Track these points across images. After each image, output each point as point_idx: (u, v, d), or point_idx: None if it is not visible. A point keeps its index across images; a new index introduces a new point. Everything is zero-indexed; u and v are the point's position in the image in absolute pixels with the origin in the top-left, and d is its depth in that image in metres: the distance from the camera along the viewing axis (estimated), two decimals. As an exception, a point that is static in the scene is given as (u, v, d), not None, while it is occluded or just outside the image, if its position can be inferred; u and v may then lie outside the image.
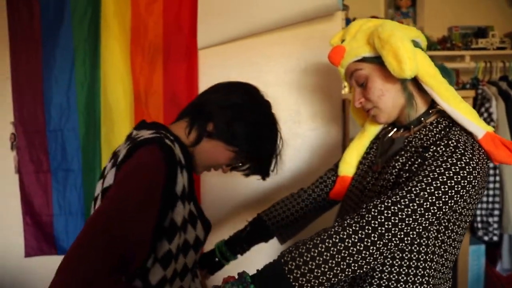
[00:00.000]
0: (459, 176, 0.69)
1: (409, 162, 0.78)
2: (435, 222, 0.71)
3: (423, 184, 0.70)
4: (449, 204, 0.70)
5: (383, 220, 0.69)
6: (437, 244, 0.77)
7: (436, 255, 0.77)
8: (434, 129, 0.80)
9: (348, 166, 0.99)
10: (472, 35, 2.12)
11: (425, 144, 0.78)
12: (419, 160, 0.76)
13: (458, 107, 0.77)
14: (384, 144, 0.91)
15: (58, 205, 1.54)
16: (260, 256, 1.15)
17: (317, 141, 1.47)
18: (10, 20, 1.52)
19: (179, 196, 0.73)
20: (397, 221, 0.69)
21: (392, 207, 0.70)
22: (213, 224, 1.48)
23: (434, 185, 0.69)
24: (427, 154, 0.74)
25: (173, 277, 0.75)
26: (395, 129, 0.90)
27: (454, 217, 0.76)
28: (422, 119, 0.83)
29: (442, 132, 0.78)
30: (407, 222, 0.69)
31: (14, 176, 1.56)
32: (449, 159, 0.70)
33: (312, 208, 1.08)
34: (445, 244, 0.77)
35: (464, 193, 0.70)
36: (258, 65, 1.44)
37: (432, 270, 0.77)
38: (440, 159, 0.71)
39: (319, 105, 1.46)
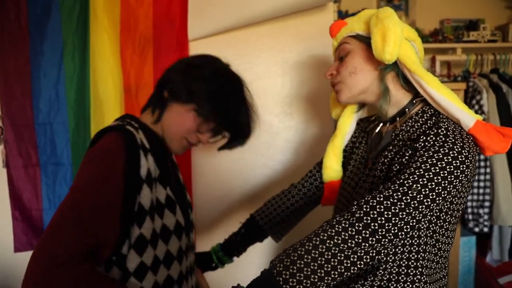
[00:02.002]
0: (451, 166, 0.68)
1: (398, 156, 0.76)
2: (429, 214, 0.69)
3: (415, 176, 0.68)
4: (443, 195, 0.69)
5: (375, 215, 0.66)
6: (428, 235, 0.75)
7: (429, 245, 0.76)
8: (420, 120, 0.79)
9: (330, 171, 0.98)
10: (464, 28, 2.13)
11: (412, 137, 0.76)
12: (410, 152, 0.73)
13: (447, 95, 0.75)
14: (373, 140, 0.89)
15: (47, 199, 1.52)
16: (256, 254, 1.15)
17: (309, 133, 1.46)
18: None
19: (144, 179, 0.73)
20: (390, 215, 0.66)
21: (385, 202, 0.67)
22: (207, 218, 1.48)
23: (427, 176, 0.67)
24: (417, 145, 0.72)
25: (155, 264, 0.75)
26: (381, 124, 0.88)
27: (446, 206, 0.75)
28: (407, 110, 0.81)
29: (429, 121, 0.77)
30: (400, 216, 0.66)
31: (1, 170, 1.53)
32: (440, 149, 0.69)
33: (303, 203, 1.08)
34: (437, 234, 0.76)
35: (457, 182, 0.69)
36: (249, 57, 1.43)
37: (425, 261, 0.76)
38: (432, 149, 0.69)
39: (311, 97, 1.45)
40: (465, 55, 1.97)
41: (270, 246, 1.43)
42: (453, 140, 0.70)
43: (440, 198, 0.69)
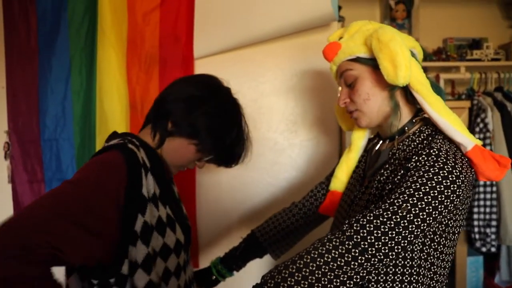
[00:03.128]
0: (442, 186, 0.67)
1: (392, 175, 0.76)
2: (420, 234, 0.68)
3: (405, 195, 0.67)
4: (433, 215, 0.67)
5: (365, 234, 0.66)
6: (422, 257, 0.74)
7: (423, 268, 0.74)
8: (417, 139, 0.79)
9: (338, 181, 0.97)
10: (467, 47, 2.14)
11: (407, 156, 0.76)
12: (402, 172, 0.73)
13: (449, 118, 0.75)
14: (372, 158, 0.90)
15: (51, 215, 1.52)
16: (257, 268, 1.14)
17: (314, 151, 1.46)
18: (6, 30, 1.52)
19: (148, 198, 0.73)
20: (379, 234, 0.66)
21: (375, 221, 0.67)
22: (210, 234, 1.47)
23: (417, 195, 0.67)
24: (409, 165, 0.72)
25: (157, 282, 0.74)
26: (381, 142, 0.88)
27: (440, 228, 0.73)
28: (406, 128, 0.81)
29: (425, 141, 0.77)
30: (390, 235, 0.66)
31: (7, 186, 1.54)
32: (431, 169, 0.68)
33: (303, 222, 1.08)
34: (432, 257, 0.74)
35: (448, 203, 0.68)
36: (254, 75, 1.44)
37: (419, 284, 0.74)
38: (422, 169, 0.69)
39: (315, 115, 1.46)
40: (469, 74, 1.98)
41: (271, 261, 1.41)
42: (444, 160, 0.69)
43: (431, 218, 0.67)
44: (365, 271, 0.66)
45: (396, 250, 0.67)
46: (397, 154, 0.80)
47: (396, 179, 0.74)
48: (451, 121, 0.74)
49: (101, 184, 0.67)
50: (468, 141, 0.73)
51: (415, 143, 0.78)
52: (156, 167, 0.78)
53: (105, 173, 0.69)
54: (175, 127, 0.81)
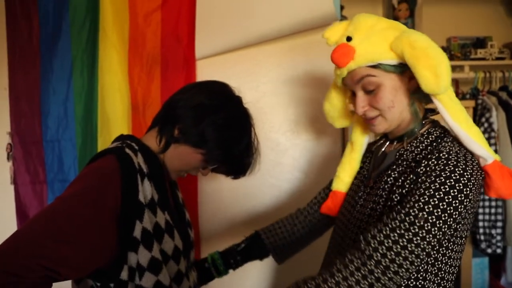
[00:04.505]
0: (455, 190, 0.66)
1: (402, 178, 0.75)
2: (437, 244, 0.68)
3: (420, 203, 0.66)
4: (448, 223, 0.67)
5: (384, 250, 0.65)
6: (430, 262, 0.73)
7: (429, 273, 0.73)
8: (425, 141, 0.77)
9: (341, 181, 0.95)
10: (471, 46, 2.12)
11: (416, 158, 0.75)
12: (412, 176, 0.72)
13: (470, 131, 0.73)
14: (377, 159, 0.88)
15: (53, 216, 1.52)
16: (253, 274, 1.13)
17: (317, 151, 1.45)
18: (8, 31, 1.52)
19: (146, 204, 0.72)
20: (399, 249, 0.65)
21: (392, 235, 0.66)
22: (213, 236, 1.46)
23: (432, 203, 0.66)
24: (419, 169, 0.71)
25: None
26: (388, 142, 0.87)
27: (449, 233, 0.72)
28: (416, 129, 0.80)
29: (434, 143, 0.76)
30: (410, 249, 0.65)
31: (9, 187, 1.54)
32: (442, 173, 0.67)
33: (309, 230, 1.07)
34: (439, 262, 0.73)
35: (462, 208, 0.67)
36: (256, 75, 1.43)
37: None
38: (433, 174, 0.68)
39: (318, 115, 1.44)
40: (473, 73, 1.96)
41: (270, 264, 1.41)
42: (454, 163, 0.68)
43: (446, 226, 0.67)
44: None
45: (416, 264, 0.67)
46: (405, 155, 0.78)
47: (406, 183, 0.73)
48: (471, 134, 0.72)
49: (96, 195, 0.66)
50: (488, 155, 0.71)
51: (424, 145, 0.77)
52: (154, 172, 0.77)
53: (100, 183, 0.68)
54: (182, 134, 0.79)
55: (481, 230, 1.77)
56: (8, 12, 1.52)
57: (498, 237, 1.75)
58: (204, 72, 1.45)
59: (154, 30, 1.46)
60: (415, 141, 0.79)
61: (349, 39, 0.77)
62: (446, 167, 0.68)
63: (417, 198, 0.67)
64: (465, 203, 0.67)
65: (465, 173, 0.67)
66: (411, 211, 0.66)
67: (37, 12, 1.50)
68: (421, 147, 0.77)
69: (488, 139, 1.74)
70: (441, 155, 0.70)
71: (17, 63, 1.53)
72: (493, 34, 2.17)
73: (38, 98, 1.52)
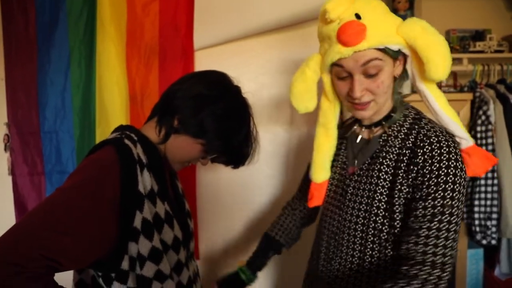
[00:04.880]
0: (457, 172, 0.73)
1: (401, 171, 0.77)
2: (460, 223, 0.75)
3: (439, 207, 0.72)
4: (462, 201, 0.73)
5: (441, 250, 0.71)
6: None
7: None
8: (405, 124, 0.81)
9: (323, 170, 0.92)
10: (470, 38, 2.12)
11: (407, 144, 0.78)
12: (412, 167, 0.76)
13: (451, 114, 0.78)
14: (356, 145, 0.88)
15: (52, 207, 1.53)
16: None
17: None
18: (4, 22, 1.51)
19: (145, 195, 0.72)
20: (445, 241, 0.71)
21: (440, 234, 0.71)
22: (211, 226, 1.47)
23: (448, 189, 0.71)
24: (417, 160, 0.75)
25: (159, 276, 0.74)
26: (363, 129, 0.87)
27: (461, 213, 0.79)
28: (393, 114, 0.82)
29: (415, 125, 0.79)
30: (452, 237, 0.72)
31: (7, 178, 1.54)
32: (442, 164, 0.73)
33: (305, 219, 1.12)
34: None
35: (464, 182, 0.73)
36: (254, 66, 1.43)
37: None
38: (435, 163, 0.73)
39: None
40: (471, 65, 1.96)
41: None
42: (447, 149, 0.74)
43: (461, 204, 0.73)
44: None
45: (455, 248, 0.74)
46: (390, 141, 0.81)
47: (400, 171, 0.77)
48: (455, 119, 0.77)
49: (96, 187, 0.67)
50: (469, 138, 0.77)
51: (405, 128, 0.80)
52: (154, 163, 0.77)
53: (99, 175, 0.68)
54: (181, 124, 0.79)
55: (476, 222, 1.78)
56: (4, 1, 1.50)
57: (493, 229, 1.77)
58: (203, 62, 1.45)
59: (152, 20, 1.45)
60: (395, 125, 0.81)
61: (358, 16, 0.72)
62: (443, 151, 0.73)
63: (430, 202, 0.73)
64: (466, 189, 0.75)
65: (458, 163, 0.73)
66: (434, 218, 0.72)
67: (34, 1, 1.49)
68: (403, 131, 0.80)
69: (485, 131, 1.75)
70: (431, 140, 0.75)
71: (14, 53, 1.51)
72: (492, 27, 2.17)
73: (35, 89, 1.51)
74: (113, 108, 1.45)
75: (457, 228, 0.73)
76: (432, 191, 0.72)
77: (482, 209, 1.78)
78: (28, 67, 1.50)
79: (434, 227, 0.72)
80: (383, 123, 0.82)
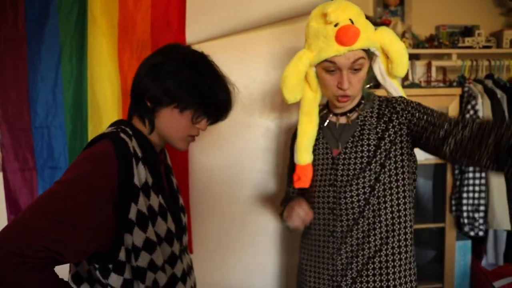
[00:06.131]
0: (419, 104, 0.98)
1: (379, 129, 0.96)
2: None
3: (424, 109, 0.95)
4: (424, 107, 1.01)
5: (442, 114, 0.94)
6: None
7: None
8: (374, 104, 1.00)
9: (308, 154, 1.04)
10: (459, 34, 2.15)
11: (380, 112, 0.97)
12: (388, 116, 0.96)
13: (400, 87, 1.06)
14: (336, 130, 1.02)
15: (44, 203, 1.52)
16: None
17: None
18: (-8, 15, 1.48)
19: (140, 187, 0.74)
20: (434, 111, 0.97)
21: (434, 111, 0.94)
22: (203, 221, 1.48)
23: (426, 109, 0.96)
24: (398, 109, 0.96)
25: (153, 268, 0.76)
26: (338, 116, 1.02)
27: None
28: (362, 101, 1.01)
29: (383, 104, 0.99)
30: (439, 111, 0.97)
31: (-2, 174, 1.53)
32: (413, 103, 0.97)
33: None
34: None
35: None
36: (246, 61, 1.44)
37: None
38: (411, 104, 0.96)
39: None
40: (460, 61, 1.99)
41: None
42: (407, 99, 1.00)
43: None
44: None
45: None
46: (367, 119, 0.98)
47: (386, 134, 0.96)
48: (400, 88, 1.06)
49: (93, 179, 0.68)
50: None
51: (376, 105, 0.99)
52: (148, 156, 0.79)
53: (97, 168, 0.69)
54: (153, 102, 0.80)
55: (464, 214, 1.82)
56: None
57: (481, 221, 1.81)
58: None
59: (144, 15, 1.44)
60: (366, 107, 1.00)
61: (351, 21, 0.89)
62: (407, 99, 0.99)
63: (422, 111, 0.94)
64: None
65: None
66: (426, 111, 0.94)
67: (23, -5, 1.47)
68: (376, 108, 0.99)
69: (473, 126, 1.79)
70: (398, 98, 0.99)
71: (3, 48, 1.49)
72: (481, 23, 2.20)
73: (26, 84, 1.49)
74: (105, 103, 1.44)
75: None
76: (421, 111, 0.94)
77: (470, 201, 1.82)
78: (17, 62, 1.48)
79: (434, 113, 0.93)
80: (356, 109, 1.00)
